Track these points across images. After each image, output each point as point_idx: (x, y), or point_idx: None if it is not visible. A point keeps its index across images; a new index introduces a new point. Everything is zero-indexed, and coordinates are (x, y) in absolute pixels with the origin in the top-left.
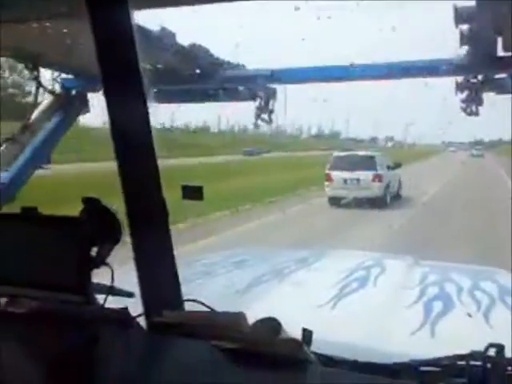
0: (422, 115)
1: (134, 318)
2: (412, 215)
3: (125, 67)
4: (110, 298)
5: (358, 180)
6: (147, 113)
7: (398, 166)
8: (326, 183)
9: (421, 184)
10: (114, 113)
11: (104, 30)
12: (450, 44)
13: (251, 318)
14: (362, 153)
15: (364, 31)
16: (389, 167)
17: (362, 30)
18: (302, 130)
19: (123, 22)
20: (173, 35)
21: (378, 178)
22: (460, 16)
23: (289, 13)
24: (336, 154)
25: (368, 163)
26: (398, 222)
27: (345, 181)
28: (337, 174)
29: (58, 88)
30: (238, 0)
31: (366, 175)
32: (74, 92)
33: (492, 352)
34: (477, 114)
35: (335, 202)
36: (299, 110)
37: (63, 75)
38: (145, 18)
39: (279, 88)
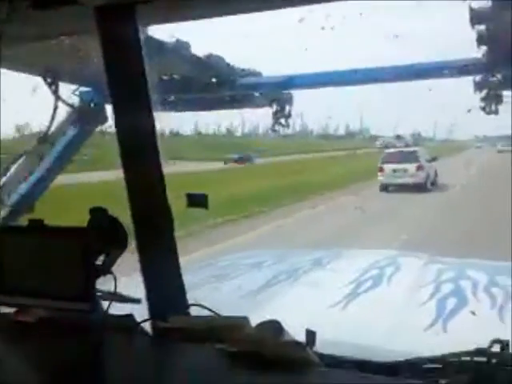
0: (453, 109)
1: (139, 323)
2: (446, 196)
3: (132, 80)
4: (123, 305)
5: (405, 170)
6: (153, 122)
7: (434, 159)
8: (379, 174)
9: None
10: (120, 122)
11: (111, 44)
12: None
13: (262, 320)
14: (406, 149)
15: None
16: (428, 160)
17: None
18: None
19: (131, 37)
20: (188, 46)
21: (421, 168)
22: (476, 16)
23: (293, 24)
24: (387, 151)
25: (412, 156)
26: (437, 200)
27: (394, 171)
28: (387, 167)
29: (76, 100)
30: (244, 13)
31: (411, 166)
32: (92, 104)
33: (497, 348)
34: (496, 112)
35: (385, 188)
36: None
37: (82, 88)
38: (159, 31)
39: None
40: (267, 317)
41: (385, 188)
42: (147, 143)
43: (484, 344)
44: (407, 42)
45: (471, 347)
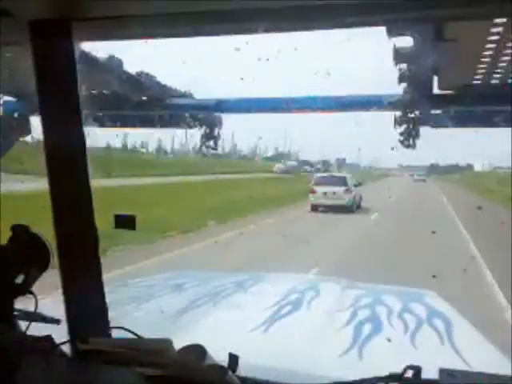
0: (379, 138)
1: (58, 345)
2: (369, 216)
3: (63, 94)
4: (43, 325)
5: (334, 193)
6: (83, 137)
7: (359, 184)
8: (311, 195)
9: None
10: (49, 136)
11: (45, 59)
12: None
13: (183, 343)
14: (336, 174)
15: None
16: (355, 185)
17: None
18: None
19: (66, 53)
20: (120, 63)
21: (348, 191)
22: (399, 55)
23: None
24: (318, 174)
25: (341, 181)
26: (362, 220)
27: (324, 193)
28: (318, 189)
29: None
30: (181, 37)
31: (340, 189)
32: (15, 115)
33: (410, 374)
34: (414, 146)
35: (315, 208)
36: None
37: (6, 98)
38: (94, 47)
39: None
40: (188, 340)
41: (315, 208)
42: (76, 158)
43: (397, 369)
44: (337, 78)
45: (384, 373)
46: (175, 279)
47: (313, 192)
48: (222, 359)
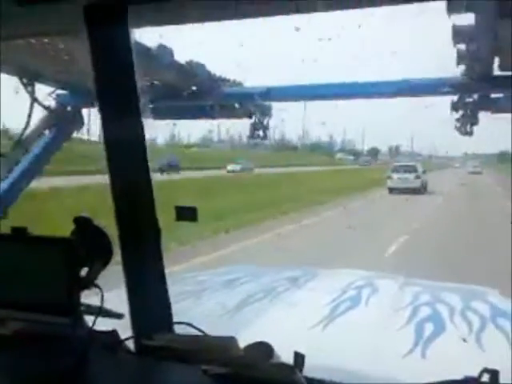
0: (439, 123)
1: (123, 340)
2: (436, 196)
3: (121, 83)
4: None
5: (406, 178)
6: (142, 129)
7: (425, 172)
8: (388, 180)
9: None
10: (108, 129)
11: (102, 47)
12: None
13: (242, 340)
14: (409, 163)
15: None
16: (422, 172)
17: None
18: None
19: (122, 39)
20: (170, 52)
21: (418, 177)
22: (458, 35)
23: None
24: (395, 164)
25: (412, 168)
26: (430, 199)
27: (399, 178)
28: (394, 175)
29: (53, 104)
30: (238, 19)
31: (411, 175)
32: (69, 108)
33: (486, 378)
34: (471, 133)
35: (392, 191)
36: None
37: (58, 91)
38: (143, 35)
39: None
40: (247, 336)
41: (391, 191)
42: (136, 151)
43: (464, 371)
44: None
45: (451, 376)
46: (228, 275)
47: (390, 178)
48: (284, 357)
